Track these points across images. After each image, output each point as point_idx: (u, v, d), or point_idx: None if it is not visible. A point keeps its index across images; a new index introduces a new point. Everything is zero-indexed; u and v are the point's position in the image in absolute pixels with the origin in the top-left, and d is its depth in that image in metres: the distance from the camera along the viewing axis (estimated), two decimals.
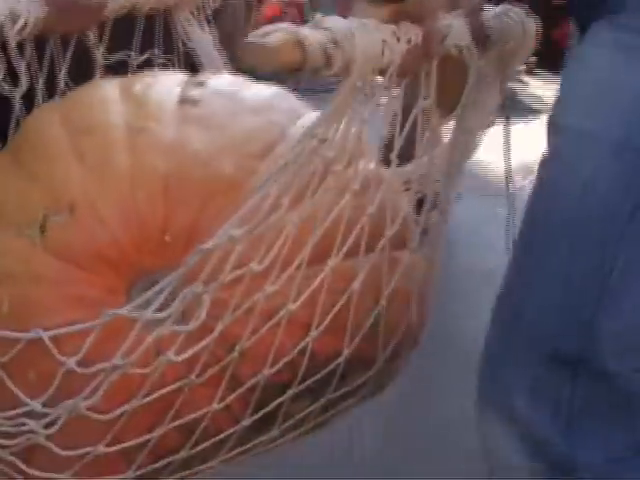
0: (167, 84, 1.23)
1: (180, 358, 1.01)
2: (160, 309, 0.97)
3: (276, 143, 1.14)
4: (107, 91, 1.21)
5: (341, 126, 0.96)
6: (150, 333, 0.97)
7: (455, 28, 1.07)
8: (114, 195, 1.09)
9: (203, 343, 1.01)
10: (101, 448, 1.05)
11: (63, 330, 1.01)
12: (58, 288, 1.08)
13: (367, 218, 1.06)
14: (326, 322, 1.08)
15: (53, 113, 1.21)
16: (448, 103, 1.11)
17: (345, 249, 1.05)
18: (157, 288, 0.98)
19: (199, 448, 1.10)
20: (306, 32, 0.85)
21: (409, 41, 0.99)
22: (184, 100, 1.18)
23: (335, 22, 0.90)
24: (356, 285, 1.09)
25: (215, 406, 1.07)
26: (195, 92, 1.20)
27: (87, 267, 1.08)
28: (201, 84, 1.23)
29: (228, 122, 1.16)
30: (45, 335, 1.01)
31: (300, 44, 0.84)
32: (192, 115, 1.16)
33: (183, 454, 1.09)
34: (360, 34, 0.90)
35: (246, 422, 1.10)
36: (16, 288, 1.09)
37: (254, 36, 0.82)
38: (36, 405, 1.03)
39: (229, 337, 1.04)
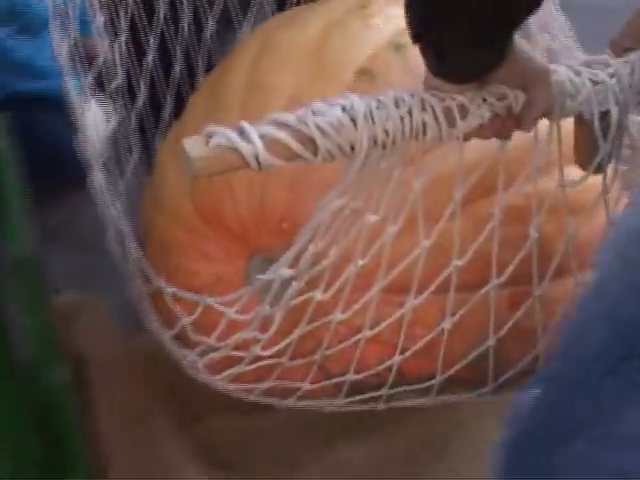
0: (357, 42, 1.16)
1: (266, 354, 1.09)
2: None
3: None
4: (305, 36, 1.18)
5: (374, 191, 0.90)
6: None
7: (590, 90, 0.88)
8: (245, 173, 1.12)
9: (283, 343, 1.07)
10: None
11: (179, 292, 1.13)
12: (192, 236, 1.17)
13: (454, 267, 0.99)
14: (413, 350, 1.06)
15: (253, 49, 1.22)
16: (584, 158, 0.95)
17: (427, 292, 1.01)
18: (236, 294, 1.04)
19: (302, 403, 1.18)
20: (238, 138, 0.78)
21: (483, 117, 0.86)
22: (362, 72, 1.12)
23: (326, 108, 0.82)
24: (446, 325, 1.04)
25: (306, 385, 1.13)
26: (379, 61, 1.13)
27: (216, 229, 1.15)
28: (399, 48, 1.14)
29: None
30: (168, 290, 1.14)
31: (233, 151, 0.78)
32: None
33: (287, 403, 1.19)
34: (363, 122, 0.81)
35: (339, 402, 1.15)
36: (179, 230, 1.21)
37: (190, 141, 0.79)
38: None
39: (312, 338, 1.08)
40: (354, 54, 1.14)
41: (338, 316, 1.03)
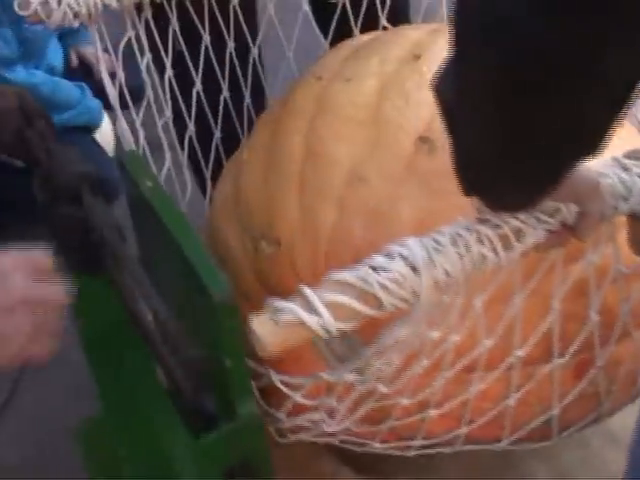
0: (413, 105, 1.13)
1: (332, 429, 1.12)
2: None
3: None
4: (361, 96, 1.15)
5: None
6: None
7: None
8: (309, 250, 1.10)
9: (350, 419, 1.09)
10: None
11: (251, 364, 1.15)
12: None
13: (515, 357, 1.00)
14: (478, 422, 1.09)
15: (309, 106, 1.19)
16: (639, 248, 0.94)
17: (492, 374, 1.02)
18: (300, 380, 1.04)
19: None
20: (304, 312, 0.78)
21: (539, 236, 0.86)
22: (421, 140, 1.09)
23: (386, 262, 0.81)
24: (511, 401, 1.05)
25: (377, 444, 1.16)
26: (437, 128, 1.06)
27: None
28: None
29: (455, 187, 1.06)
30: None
31: (302, 326, 0.79)
32: (421, 168, 1.08)
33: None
34: (424, 270, 0.81)
35: (410, 453, 1.18)
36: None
37: (258, 321, 0.80)
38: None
39: (380, 411, 1.10)
40: (411, 119, 1.11)
41: (403, 401, 1.05)
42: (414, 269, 0.81)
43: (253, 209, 1.19)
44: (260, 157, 1.22)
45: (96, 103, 1.75)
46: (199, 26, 1.39)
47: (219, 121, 1.48)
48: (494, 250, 0.84)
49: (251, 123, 1.51)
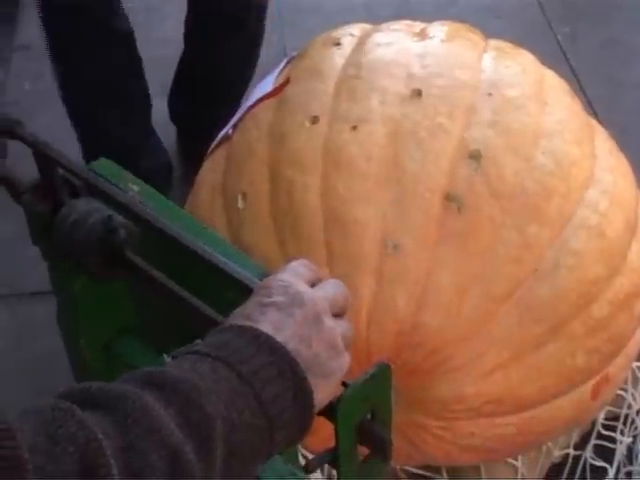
0: (431, 155, 1.11)
1: None
2: None
3: (524, 281, 1.09)
4: (374, 146, 1.12)
5: None
6: None
7: None
8: None
9: None
10: None
11: None
12: None
13: None
14: None
15: (314, 159, 1.14)
16: None
17: None
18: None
19: None
20: None
21: None
22: (448, 198, 1.09)
23: None
24: None
25: None
26: (461, 183, 1.09)
27: None
28: (475, 158, 1.10)
29: (490, 246, 1.08)
30: None
31: None
32: (454, 229, 1.09)
33: None
34: None
35: None
36: None
37: None
38: None
39: None
40: (433, 173, 1.10)
41: None
42: None
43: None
44: (263, 208, 1.16)
45: None
46: None
47: None
48: None
49: None
